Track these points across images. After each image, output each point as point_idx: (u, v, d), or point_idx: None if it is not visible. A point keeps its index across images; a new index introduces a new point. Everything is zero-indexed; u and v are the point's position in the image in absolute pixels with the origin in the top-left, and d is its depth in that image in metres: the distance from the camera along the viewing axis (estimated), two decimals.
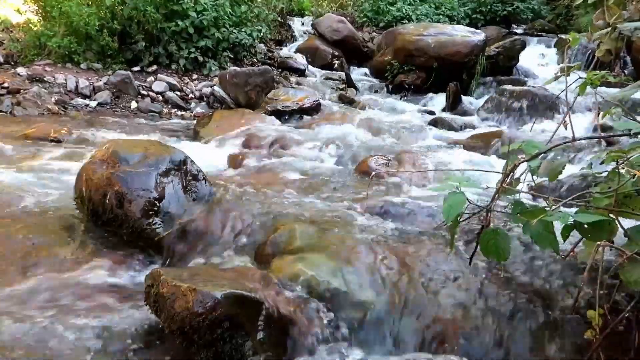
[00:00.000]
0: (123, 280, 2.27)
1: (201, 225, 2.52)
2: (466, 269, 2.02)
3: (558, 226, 1.35)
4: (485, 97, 6.29)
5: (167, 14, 6.32)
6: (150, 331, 1.88)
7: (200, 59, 6.53)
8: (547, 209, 1.35)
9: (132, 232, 2.47)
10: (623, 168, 1.44)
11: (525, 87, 5.92)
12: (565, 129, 1.68)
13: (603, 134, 2.81)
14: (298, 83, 6.94)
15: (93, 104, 5.55)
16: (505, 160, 1.61)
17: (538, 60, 8.49)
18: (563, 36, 8.75)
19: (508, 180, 1.58)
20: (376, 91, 7.35)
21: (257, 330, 1.74)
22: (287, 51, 8.23)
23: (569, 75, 1.74)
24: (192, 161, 2.77)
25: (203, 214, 2.58)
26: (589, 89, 1.69)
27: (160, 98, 5.96)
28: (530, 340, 1.77)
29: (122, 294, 2.14)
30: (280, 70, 7.28)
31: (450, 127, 5.21)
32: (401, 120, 5.40)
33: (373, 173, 3.22)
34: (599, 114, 1.80)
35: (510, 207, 1.47)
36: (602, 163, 1.64)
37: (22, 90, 5.28)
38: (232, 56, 6.90)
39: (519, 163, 1.57)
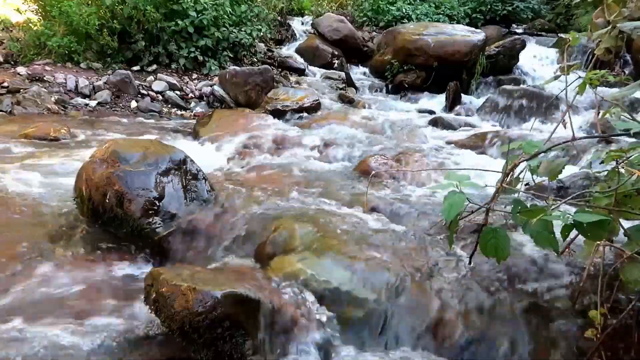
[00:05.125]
0: (122, 280, 2.27)
1: (201, 225, 2.52)
2: (465, 268, 2.02)
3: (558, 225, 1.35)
4: (485, 97, 6.29)
5: (167, 14, 6.32)
6: (150, 331, 1.88)
7: (200, 58, 6.53)
8: (546, 208, 1.35)
9: (132, 232, 2.47)
10: (623, 167, 1.44)
11: (525, 87, 5.92)
12: (565, 127, 1.68)
13: (603, 134, 2.81)
14: (298, 82, 6.94)
15: (93, 103, 5.55)
16: (505, 160, 1.61)
17: (538, 60, 8.48)
18: (563, 35, 8.74)
19: (508, 180, 1.58)
20: (376, 91, 7.35)
21: (257, 330, 1.75)
22: (287, 51, 8.22)
23: (569, 74, 1.74)
24: (192, 160, 2.77)
25: (203, 213, 2.58)
26: (588, 88, 1.69)
27: (160, 97, 5.96)
28: (530, 340, 1.77)
29: (122, 294, 2.14)
30: (280, 69, 7.27)
31: (450, 126, 5.21)
32: (401, 120, 5.40)
33: (373, 172, 3.22)
34: (598, 113, 1.80)
35: (510, 206, 1.47)
36: (602, 162, 1.64)
37: (22, 90, 5.28)
38: (232, 55, 6.90)
39: (519, 162, 1.57)
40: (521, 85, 6.13)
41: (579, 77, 1.71)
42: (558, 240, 1.35)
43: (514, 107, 5.46)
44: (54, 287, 2.14)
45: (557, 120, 4.98)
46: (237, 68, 6.19)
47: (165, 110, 5.78)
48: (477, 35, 7.23)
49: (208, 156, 3.93)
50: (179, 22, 6.26)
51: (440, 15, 10.31)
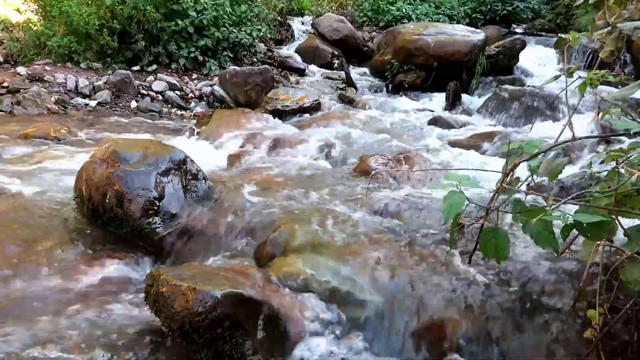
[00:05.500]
0: (122, 280, 2.27)
1: (201, 225, 2.52)
2: (465, 268, 2.02)
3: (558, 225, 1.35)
4: (485, 97, 6.28)
5: (167, 14, 6.32)
6: (150, 331, 1.88)
7: (200, 58, 6.53)
8: (546, 208, 1.35)
9: (132, 232, 2.48)
10: (623, 167, 1.44)
11: (525, 87, 5.91)
12: (571, 130, 1.68)
13: (603, 134, 2.82)
14: (298, 82, 6.94)
15: (93, 103, 5.55)
16: (505, 160, 1.61)
17: (538, 60, 8.48)
18: (563, 36, 8.74)
19: (508, 180, 1.58)
20: (376, 91, 7.34)
21: (257, 330, 1.75)
22: (287, 51, 8.22)
23: (570, 76, 1.74)
24: (191, 160, 2.78)
25: (203, 213, 2.58)
26: (589, 88, 1.69)
27: (160, 97, 5.96)
28: (530, 340, 1.77)
29: (122, 294, 2.14)
30: (280, 69, 7.27)
31: (450, 126, 5.20)
32: (401, 120, 5.40)
33: (373, 172, 3.22)
34: (598, 113, 1.80)
35: (510, 207, 1.47)
36: (602, 162, 1.64)
37: (22, 90, 5.28)
38: (232, 55, 6.90)
39: (519, 162, 1.57)
40: (521, 85, 6.12)
41: (579, 77, 1.71)
42: (558, 240, 1.35)
43: (514, 107, 5.46)
44: (53, 287, 2.14)
45: (558, 120, 4.99)
46: (237, 68, 6.19)
47: (165, 110, 5.78)
48: (477, 35, 7.22)
49: (208, 156, 3.94)
50: (179, 22, 6.26)
51: (440, 15, 10.31)
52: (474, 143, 4.38)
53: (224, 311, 1.68)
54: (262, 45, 7.69)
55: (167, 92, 6.00)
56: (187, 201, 2.61)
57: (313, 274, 1.99)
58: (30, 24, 6.22)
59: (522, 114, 5.36)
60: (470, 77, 7.04)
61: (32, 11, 6.46)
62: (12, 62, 5.95)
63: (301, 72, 7.46)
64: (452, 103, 6.28)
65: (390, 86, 7.34)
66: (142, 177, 2.54)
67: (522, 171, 1.63)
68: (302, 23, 9.65)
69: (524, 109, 5.38)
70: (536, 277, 1.95)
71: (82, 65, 6.05)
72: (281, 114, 5.39)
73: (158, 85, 6.05)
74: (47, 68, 5.82)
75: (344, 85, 7.05)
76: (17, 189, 2.98)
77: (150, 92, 5.95)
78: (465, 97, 6.53)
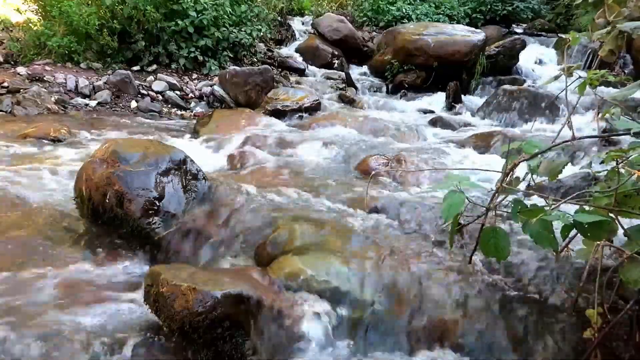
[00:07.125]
0: (122, 280, 2.27)
1: (201, 225, 2.52)
2: (466, 267, 2.02)
3: (558, 225, 1.35)
4: (485, 97, 6.29)
5: (167, 14, 6.32)
6: (150, 331, 1.88)
7: (200, 58, 6.53)
8: (546, 208, 1.35)
9: (132, 232, 2.48)
10: (623, 167, 1.44)
11: (525, 87, 5.92)
12: (570, 129, 1.68)
13: (603, 134, 2.82)
14: (298, 82, 6.94)
15: (93, 103, 5.55)
16: (505, 160, 1.61)
17: (538, 60, 8.48)
18: (563, 36, 8.73)
19: (508, 180, 1.58)
20: (376, 91, 7.34)
21: (257, 330, 1.75)
22: (287, 51, 8.22)
23: (570, 75, 1.74)
24: (191, 160, 2.78)
25: (203, 213, 2.58)
26: (588, 88, 1.69)
27: (160, 97, 5.96)
28: (530, 340, 1.77)
29: (122, 294, 2.14)
30: (280, 69, 7.27)
31: (450, 126, 5.21)
32: (401, 120, 5.40)
33: (373, 172, 3.22)
34: (598, 113, 1.80)
35: (510, 206, 1.47)
36: (602, 162, 1.64)
37: (22, 90, 5.28)
38: (232, 55, 6.91)
39: (519, 162, 1.58)
40: (521, 85, 6.13)
41: (579, 77, 1.71)
42: (558, 240, 1.35)
43: (514, 107, 5.46)
44: (53, 287, 2.14)
45: (558, 120, 4.99)
46: (237, 68, 6.20)
47: (165, 110, 5.78)
48: (477, 35, 7.23)
49: (208, 156, 3.94)
50: (179, 22, 6.26)
51: (440, 15, 10.31)
52: (473, 143, 4.38)
53: (224, 311, 1.68)
54: (262, 45, 7.69)
55: (167, 92, 6.00)
56: (187, 201, 2.61)
57: (313, 274, 1.99)
58: (30, 24, 6.22)
59: (522, 113, 5.37)
60: (470, 77, 7.04)
61: (32, 11, 6.46)
62: (12, 62, 5.95)
63: (301, 72, 7.46)
64: (452, 103, 6.29)
65: (390, 86, 7.34)
66: (142, 177, 2.54)
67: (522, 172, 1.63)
68: (302, 23, 9.65)
69: (524, 109, 5.39)
70: (536, 276, 1.95)
71: (82, 65, 6.05)
72: (281, 114, 5.39)
73: (158, 85, 6.05)
74: (47, 68, 5.82)
75: (344, 85, 7.05)
76: (17, 189, 2.97)
77: (150, 92, 5.95)
78: (465, 97, 6.54)
